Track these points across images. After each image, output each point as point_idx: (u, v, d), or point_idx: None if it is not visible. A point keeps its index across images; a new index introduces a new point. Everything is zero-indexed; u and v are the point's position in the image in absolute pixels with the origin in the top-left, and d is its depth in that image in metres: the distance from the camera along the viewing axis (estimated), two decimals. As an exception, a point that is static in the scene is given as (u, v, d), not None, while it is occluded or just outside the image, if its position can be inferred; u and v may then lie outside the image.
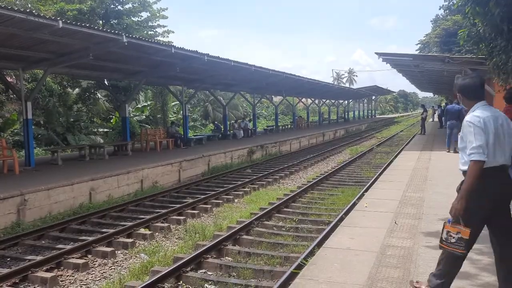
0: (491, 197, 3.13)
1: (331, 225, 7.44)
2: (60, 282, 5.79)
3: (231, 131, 25.37)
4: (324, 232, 6.98)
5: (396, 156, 16.19)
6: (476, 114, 3.18)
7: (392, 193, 7.88)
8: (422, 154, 14.28)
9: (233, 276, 5.78)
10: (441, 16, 39.52)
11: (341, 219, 7.55)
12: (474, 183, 3.01)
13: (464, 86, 3.37)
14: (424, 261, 4.28)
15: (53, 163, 13.28)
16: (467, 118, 3.20)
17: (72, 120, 22.89)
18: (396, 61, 17.27)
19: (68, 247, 6.88)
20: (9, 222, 8.09)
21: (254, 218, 8.19)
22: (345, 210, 8.43)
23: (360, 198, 9.04)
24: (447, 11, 36.81)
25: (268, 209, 8.89)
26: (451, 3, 32.82)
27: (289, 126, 35.93)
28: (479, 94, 3.33)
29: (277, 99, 43.57)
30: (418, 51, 37.43)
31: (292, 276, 5.19)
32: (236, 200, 10.88)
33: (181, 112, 26.56)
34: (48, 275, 5.79)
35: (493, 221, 3.23)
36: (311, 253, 5.89)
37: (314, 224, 8.17)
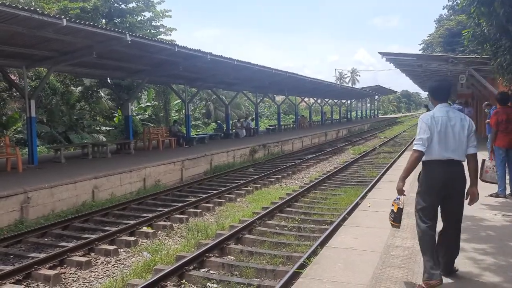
0: (435, 184, 3.72)
1: (334, 224, 7.44)
2: (63, 280, 5.79)
3: (234, 130, 25.38)
4: (327, 232, 6.97)
5: (399, 156, 16.18)
6: (431, 113, 3.78)
7: (395, 193, 7.84)
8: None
9: (236, 275, 5.78)
10: (444, 16, 39.43)
11: (344, 219, 7.53)
12: (411, 167, 3.75)
13: (432, 88, 3.96)
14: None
15: (56, 161, 13.31)
16: (422, 115, 3.87)
17: (75, 118, 22.93)
18: (399, 61, 17.24)
19: (71, 245, 6.89)
20: (12, 220, 8.11)
21: (256, 217, 8.19)
22: (348, 210, 8.42)
23: (363, 198, 9.04)
24: (451, 11, 36.70)
25: (270, 209, 8.88)
26: (455, 3, 32.66)
27: (291, 125, 35.92)
28: (443, 97, 3.86)
29: (279, 98, 43.58)
30: (421, 51, 37.37)
31: (295, 275, 5.19)
32: (238, 199, 10.88)
33: (183, 111, 26.59)
34: (51, 272, 5.79)
35: (443, 204, 3.84)
36: (314, 253, 5.89)
37: (316, 224, 8.16)
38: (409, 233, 5.24)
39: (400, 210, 3.90)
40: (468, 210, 6.05)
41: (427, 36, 40.26)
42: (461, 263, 4.15)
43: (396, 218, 3.93)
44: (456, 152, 3.70)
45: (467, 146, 3.75)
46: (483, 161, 7.32)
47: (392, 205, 3.97)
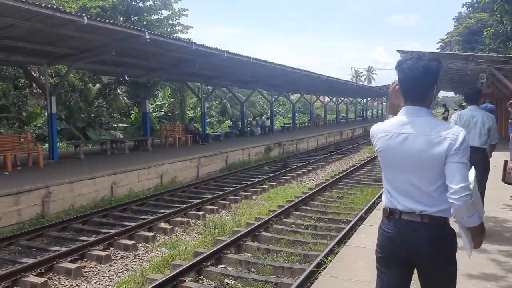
0: None
1: (351, 223, 7.41)
2: (84, 273, 5.90)
3: (249, 128, 25.41)
4: (344, 231, 6.95)
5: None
6: (460, 112, 5.20)
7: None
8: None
9: (253, 272, 5.80)
10: (464, 14, 38.78)
11: (361, 218, 7.52)
12: None
13: (465, 94, 5.49)
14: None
15: (75, 157, 13.53)
16: (453, 114, 5.35)
17: (93, 115, 23.24)
18: (417, 59, 16.99)
19: (91, 239, 7.01)
20: (34, 214, 8.28)
21: (272, 215, 8.20)
22: (365, 209, 8.38)
23: (380, 197, 8.97)
24: (470, 8, 36.07)
25: (286, 207, 8.89)
26: (475, 0, 32.14)
27: (306, 124, 35.79)
28: (472, 100, 5.25)
29: (294, 96, 43.42)
30: (439, 49, 36.84)
31: (312, 274, 5.19)
32: (254, 197, 10.91)
33: (199, 108, 26.70)
34: (73, 266, 5.90)
35: None
36: (331, 252, 5.88)
37: (333, 222, 8.14)
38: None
39: None
40: (491, 211, 6.00)
41: (446, 35, 39.67)
42: (485, 264, 4.10)
43: None
44: (477, 141, 4.87)
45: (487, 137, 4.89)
46: (505, 162, 7.19)
47: None
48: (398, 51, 14.88)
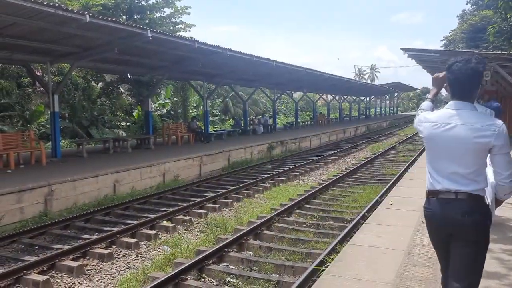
0: None
1: (354, 222, 7.38)
2: (86, 271, 5.90)
3: (251, 127, 25.39)
4: (346, 230, 6.92)
5: (420, 154, 15.94)
6: None
7: (417, 191, 7.73)
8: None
9: (255, 270, 5.79)
10: (468, 12, 38.59)
11: (364, 217, 7.48)
12: None
13: None
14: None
15: (78, 155, 13.55)
16: None
17: (96, 113, 23.27)
18: (421, 57, 16.95)
19: (94, 237, 7.01)
20: (37, 212, 8.29)
21: (274, 213, 8.18)
22: (367, 207, 8.34)
23: (383, 196, 8.94)
24: (475, 6, 35.90)
25: (288, 205, 8.87)
26: (478, -2, 32.01)
27: (309, 122, 35.73)
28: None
29: (297, 95, 43.36)
30: (443, 47, 36.70)
31: (314, 272, 5.17)
32: (256, 195, 10.89)
33: (201, 107, 26.70)
34: (75, 264, 5.91)
35: None
36: (333, 250, 5.86)
37: (335, 221, 8.11)
38: (433, 232, 5.16)
39: None
40: (498, 210, 5.93)
41: (449, 32, 39.51)
42: (488, 263, 4.08)
43: None
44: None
45: None
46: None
47: None
48: (401, 48, 14.85)
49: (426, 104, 2.79)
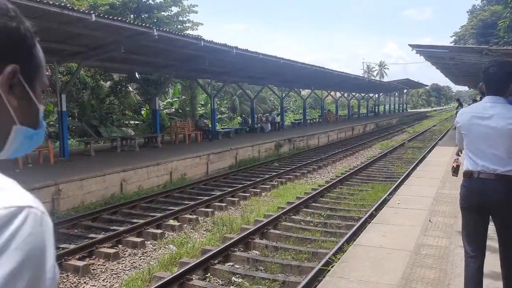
0: None
1: (361, 221, 7.30)
2: (92, 271, 5.91)
3: (259, 124, 25.33)
4: (354, 229, 6.85)
5: (429, 152, 15.76)
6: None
7: (425, 190, 7.64)
8: (457, 149, 13.77)
9: (261, 270, 5.75)
10: (478, 7, 38.08)
11: (371, 216, 7.40)
12: None
13: None
14: (461, 261, 4.09)
15: (86, 154, 13.62)
16: None
17: (104, 112, 23.40)
18: (430, 53, 16.70)
19: (100, 236, 7.02)
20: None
21: (281, 212, 8.13)
22: (375, 206, 8.25)
23: (391, 194, 8.84)
24: (485, 1, 35.42)
25: (295, 204, 8.81)
26: (489, -8, 31.56)
27: (317, 119, 35.54)
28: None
29: (305, 92, 43.16)
30: (453, 43, 36.24)
31: (320, 272, 5.12)
32: (263, 194, 10.84)
33: (208, 105, 26.71)
34: (81, 263, 5.92)
35: None
36: (340, 250, 5.79)
37: (343, 220, 8.04)
38: (441, 232, 5.07)
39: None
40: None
41: (459, 28, 39.03)
42: (497, 259, 4.00)
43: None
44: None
45: None
46: None
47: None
48: (410, 45, 14.65)
49: None
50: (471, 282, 3.03)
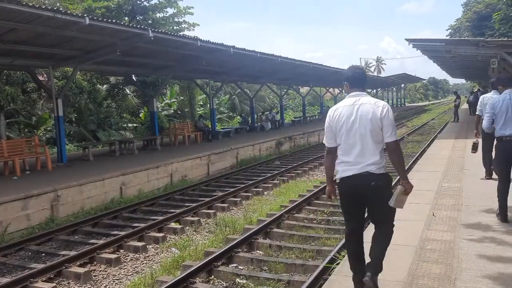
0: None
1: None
2: (93, 277, 5.83)
3: (259, 123, 25.25)
4: (357, 225, 6.76)
5: (429, 145, 15.68)
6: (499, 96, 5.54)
7: (427, 183, 7.56)
8: (457, 142, 13.73)
9: (265, 270, 5.67)
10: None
11: (374, 211, 7.32)
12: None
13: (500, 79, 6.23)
14: (467, 255, 4.03)
15: (84, 159, 13.53)
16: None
17: (102, 116, 23.30)
18: (426, 47, 16.63)
19: (101, 242, 6.94)
20: (43, 218, 8.25)
21: (284, 210, 8.05)
22: (378, 201, 8.17)
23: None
24: (480, -7, 35.27)
25: (298, 202, 8.73)
26: (484, -16, 31.48)
27: (317, 116, 35.47)
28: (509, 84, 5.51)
29: (304, 90, 43.08)
30: (449, 36, 36.15)
31: (325, 270, 5.04)
32: (265, 193, 10.77)
33: (208, 105, 26.62)
34: (82, 270, 5.84)
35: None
36: (344, 246, 5.71)
37: (346, 216, 7.95)
38: (445, 226, 4.99)
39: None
40: (508, 201, 5.79)
41: (454, 21, 38.93)
42: (504, 249, 3.95)
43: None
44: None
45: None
46: None
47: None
48: (406, 39, 14.59)
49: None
50: None
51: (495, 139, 5.16)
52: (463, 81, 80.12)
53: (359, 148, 3.21)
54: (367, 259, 3.38)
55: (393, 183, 3.72)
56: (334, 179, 3.46)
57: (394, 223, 3.37)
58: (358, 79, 3.40)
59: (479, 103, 6.98)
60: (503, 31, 16.41)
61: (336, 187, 3.45)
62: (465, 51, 15.90)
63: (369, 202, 3.30)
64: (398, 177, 3.37)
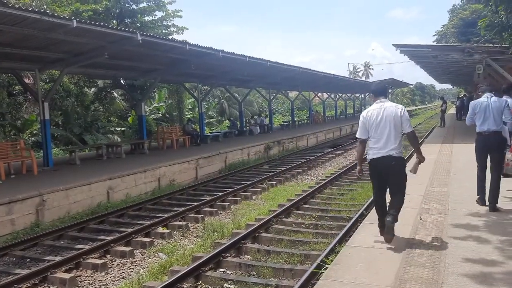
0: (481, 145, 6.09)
1: (352, 221, 7.27)
2: (79, 283, 5.75)
3: (247, 128, 25.25)
4: (345, 229, 6.81)
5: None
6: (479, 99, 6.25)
7: (414, 188, 7.59)
8: (443, 147, 13.91)
9: (253, 275, 5.65)
10: (458, 6, 38.60)
11: (362, 215, 7.37)
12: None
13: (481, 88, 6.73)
14: (454, 259, 4.07)
15: (71, 162, 13.36)
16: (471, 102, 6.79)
17: (89, 120, 23.06)
18: (414, 52, 16.84)
19: (87, 247, 6.85)
20: (28, 223, 8.11)
21: (272, 215, 8.04)
22: (365, 205, 8.23)
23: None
24: (465, 0, 35.89)
25: (286, 206, 8.74)
26: (469, -9, 32.02)
27: (305, 121, 35.61)
28: (490, 89, 6.31)
29: (292, 94, 43.23)
30: (435, 42, 36.69)
31: (313, 275, 5.05)
32: (254, 197, 10.76)
33: (196, 109, 26.55)
34: (67, 276, 5.75)
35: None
36: (332, 251, 5.74)
37: (334, 220, 8.00)
38: (433, 230, 5.04)
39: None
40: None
41: (441, 27, 39.53)
42: (489, 252, 4.02)
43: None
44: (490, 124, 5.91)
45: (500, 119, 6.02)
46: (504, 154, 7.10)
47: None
48: (394, 45, 14.75)
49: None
50: None
51: (476, 134, 6.01)
52: (449, 86, 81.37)
53: (385, 138, 4.63)
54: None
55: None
56: (364, 159, 5.07)
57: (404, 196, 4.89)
58: (381, 91, 4.97)
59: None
60: (488, 38, 16.69)
61: (362, 167, 5.17)
62: (452, 57, 16.15)
63: (389, 175, 4.77)
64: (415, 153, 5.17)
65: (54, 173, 11.26)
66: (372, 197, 5.53)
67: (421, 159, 4.95)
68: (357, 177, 5.02)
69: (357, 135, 4.96)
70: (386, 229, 4.59)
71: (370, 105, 4.97)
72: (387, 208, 4.80)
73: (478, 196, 6.04)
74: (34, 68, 12.77)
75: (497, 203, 5.75)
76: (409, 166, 5.12)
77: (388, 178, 4.78)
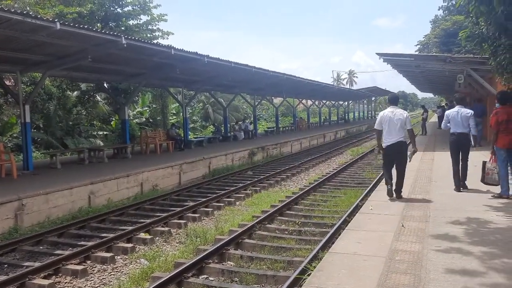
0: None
1: (335, 227, 7.31)
2: (58, 290, 5.63)
3: (232, 133, 25.23)
4: (328, 235, 6.85)
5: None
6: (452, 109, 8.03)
7: (396, 195, 7.71)
8: (425, 154, 14.14)
9: (236, 281, 5.64)
10: (440, 17, 39.43)
11: (345, 222, 7.42)
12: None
13: (457, 99, 8.29)
14: (434, 266, 4.13)
15: (52, 166, 13.13)
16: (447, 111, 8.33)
17: (71, 123, 22.72)
18: (397, 61, 17.15)
19: (67, 252, 6.72)
20: (6, 228, 7.93)
21: (256, 221, 8.05)
22: (348, 212, 8.30)
23: (363, 199, 8.91)
24: (446, 11, 36.70)
25: (270, 212, 8.75)
26: (450, 3, 32.74)
27: (289, 127, 35.78)
28: (461, 103, 8.00)
29: (277, 100, 43.45)
30: (418, 51, 37.35)
31: (296, 281, 5.06)
32: (237, 203, 10.74)
33: (181, 114, 26.42)
34: (46, 282, 5.64)
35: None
36: (315, 257, 5.76)
37: (317, 227, 8.04)
38: (414, 237, 5.10)
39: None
40: (473, 212, 6.01)
41: (423, 37, 40.28)
42: (468, 262, 4.08)
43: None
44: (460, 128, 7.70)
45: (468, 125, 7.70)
46: (484, 163, 7.28)
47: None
48: (377, 53, 14.99)
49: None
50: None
51: (450, 135, 7.87)
52: (431, 95, 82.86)
53: (395, 131, 7.07)
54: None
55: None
56: (381, 144, 7.50)
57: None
58: (394, 100, 7.53)
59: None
60: (469, 48, 17.09)
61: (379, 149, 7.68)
62: (433, 66, 16.48)
63: (397, 155, 7.27)
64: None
65: (34, 177, 11.05)
66: (382, 172, 8.30)
67: (416, 150, 7.55)
68: (377, 152, 8.48)
69: (375, 126, 7.50)
70: (387, 192, 7.28)
71: (386, 108, 7.51)
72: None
73: (455, 186, 7.80)
74: (16, 70, 12.55)
75: (465, 180, 7.85)
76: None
77: (396, 156, 7.25)
